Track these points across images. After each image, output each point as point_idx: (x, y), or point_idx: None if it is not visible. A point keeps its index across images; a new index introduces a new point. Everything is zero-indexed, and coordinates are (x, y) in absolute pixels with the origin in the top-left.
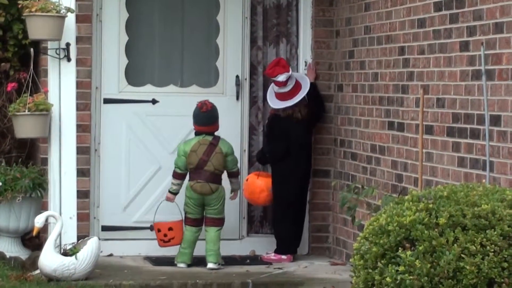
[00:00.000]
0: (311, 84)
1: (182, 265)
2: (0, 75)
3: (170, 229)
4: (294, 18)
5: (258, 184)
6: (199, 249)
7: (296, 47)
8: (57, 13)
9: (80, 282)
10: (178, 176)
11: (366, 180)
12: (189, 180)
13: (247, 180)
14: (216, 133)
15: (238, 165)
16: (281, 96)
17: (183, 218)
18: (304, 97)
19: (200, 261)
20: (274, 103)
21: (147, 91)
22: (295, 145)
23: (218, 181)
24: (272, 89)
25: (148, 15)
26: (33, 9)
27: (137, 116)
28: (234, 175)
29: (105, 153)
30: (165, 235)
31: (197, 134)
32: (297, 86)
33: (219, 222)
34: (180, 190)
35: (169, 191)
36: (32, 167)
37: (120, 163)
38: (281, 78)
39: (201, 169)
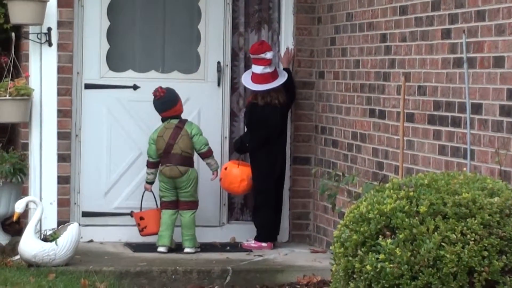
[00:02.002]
0: (285, 69)
1: (162, 248)
2: None
3: (141, 218)
4: (276, 4)
5: (238, 173)
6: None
7: (277, 33)
8: None
9: (60, 268)
10: (150, 165)
11: (347, 167)
12: (160, 165)
13: (225, 169)
14: (186, 117)
15: (219, 150)
16: (262, 79)
17: (159, 205)
18: (281, 88)
19: (180, 247)
20: (255, 87)
21: (129, 76)
22: (275, 132)
23: (188, 163)
24: (250, 72)
25: (130, 0)
26: None
27: (118, 102)
28: (205, 155)
29: (86, 139)
30: (139, 225)
31: (163, 121)
32: (275, 71)
33: (192, 205)
34: (155, 178)
35: (146, 181)
36: (13, 152)
37: (101, 148)
38: (269, 55)
39: (169, 153)
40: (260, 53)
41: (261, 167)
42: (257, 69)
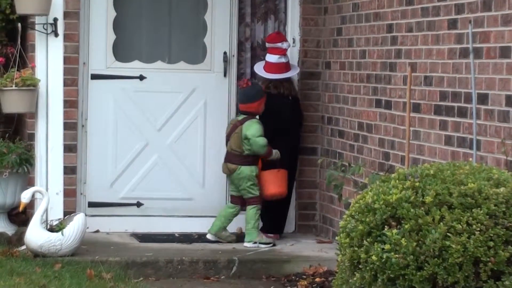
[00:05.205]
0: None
1: (208, 236)
2: None
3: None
4: None
5: None
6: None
7: (284, 24)
8: None
9: (66, 258)
10: None
11: (353, 158)
12: None
13: None
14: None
15: (225, 141)
16: (276, 68)
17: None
18: (294, 81)
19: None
20: (269, 75)
21: (135, 67)
22: (284, 122)
23: (239, 161)
24: (263, 62)
25: None
26: None
27: (125, 92)
28: (265, 157)
29: (92, 129)
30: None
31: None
32: (289, 63)
33: (251, 201)
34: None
35: None
36: (19, 142)
37: (107, 139)
38: (286, 45)
39: (226, 149)
40: (277, 42)
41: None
42: (272, 58)
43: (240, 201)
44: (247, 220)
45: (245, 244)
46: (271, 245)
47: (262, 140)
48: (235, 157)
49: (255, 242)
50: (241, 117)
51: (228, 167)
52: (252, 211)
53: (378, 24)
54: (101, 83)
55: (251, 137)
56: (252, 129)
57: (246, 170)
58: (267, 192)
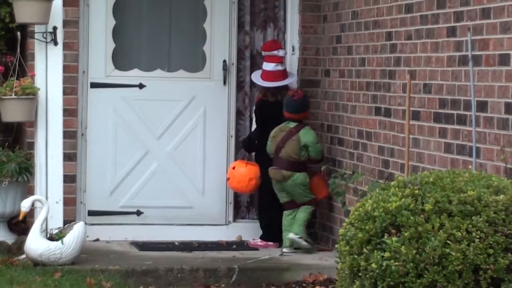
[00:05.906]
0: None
1: (284, 249)
2: None
3: (233, 168)
4: (281, 3)
5: (246, 172)
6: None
7: (283, 32)
8: None
9: (66, 266)
10: None
11: (353, 165)
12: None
13: (233, 168)
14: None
15: (225, 149)
16: (272, 76)
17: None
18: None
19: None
20: (266, 83)
21: (134, 75)
22: None
23: (294, 168)
24: (260, 71)
25: None
26: None
27: (124, 101)
28: (319, 162)
29: (92, 138)
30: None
31: (284, 120)
32: (286, 70)
33: (307, 202)
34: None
35: None
36: (19, 151)
37: (106, 147)
38: (282, 53)
39: (278, 156)
40: (273, 50)
41: (267, 165)
42: (269, 66)
43: (290, 206)
44: (299, 217)
45: (290, 235)
46: (310, 247)
47: (320, 146)
48: (291, 164)
49: (300, 237)
50: (292, 125)
51: (283, 174)
52: (306, 210)
53: (377, 32)
54: (101, 91)
55: (311, 144)
56: (310, 136)
57: (301, 176)
58: (316, 198)
